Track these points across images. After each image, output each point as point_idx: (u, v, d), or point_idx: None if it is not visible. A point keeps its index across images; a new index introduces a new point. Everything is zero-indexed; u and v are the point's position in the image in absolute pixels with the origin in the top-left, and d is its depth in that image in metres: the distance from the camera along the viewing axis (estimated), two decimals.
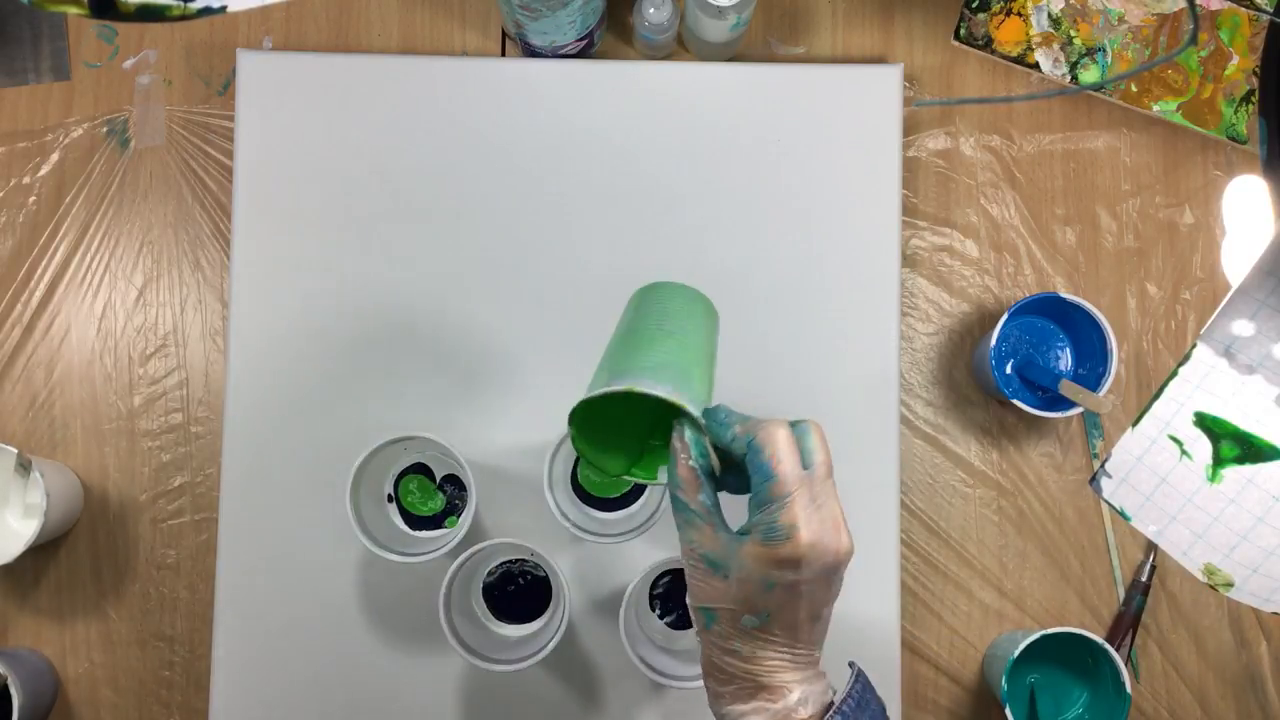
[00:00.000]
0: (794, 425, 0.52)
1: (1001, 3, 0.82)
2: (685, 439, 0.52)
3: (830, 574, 0.51)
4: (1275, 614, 0.76)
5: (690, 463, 0.52)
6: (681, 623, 0.77)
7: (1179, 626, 0.79)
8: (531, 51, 0.80)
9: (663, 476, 0.56)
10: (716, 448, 0.53)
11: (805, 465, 0.51)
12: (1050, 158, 0.83)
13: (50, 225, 0.80)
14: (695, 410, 0.52)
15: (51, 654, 0.78)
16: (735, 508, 0.54)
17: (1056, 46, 0.82)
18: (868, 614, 0.76)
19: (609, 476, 0.58)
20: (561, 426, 0.71)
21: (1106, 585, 0.79)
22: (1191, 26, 0.71)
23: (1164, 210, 0.82)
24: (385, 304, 0.78)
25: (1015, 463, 0.80)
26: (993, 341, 0.75)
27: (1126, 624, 0.78)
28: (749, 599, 0.50)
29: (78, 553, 0.78)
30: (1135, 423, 0.62)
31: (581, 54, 0.81)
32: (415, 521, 0.78)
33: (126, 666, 0.78)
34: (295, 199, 0.79)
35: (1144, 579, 0.78)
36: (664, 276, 0.78)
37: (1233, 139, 0.82)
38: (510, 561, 0.77)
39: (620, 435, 0.58)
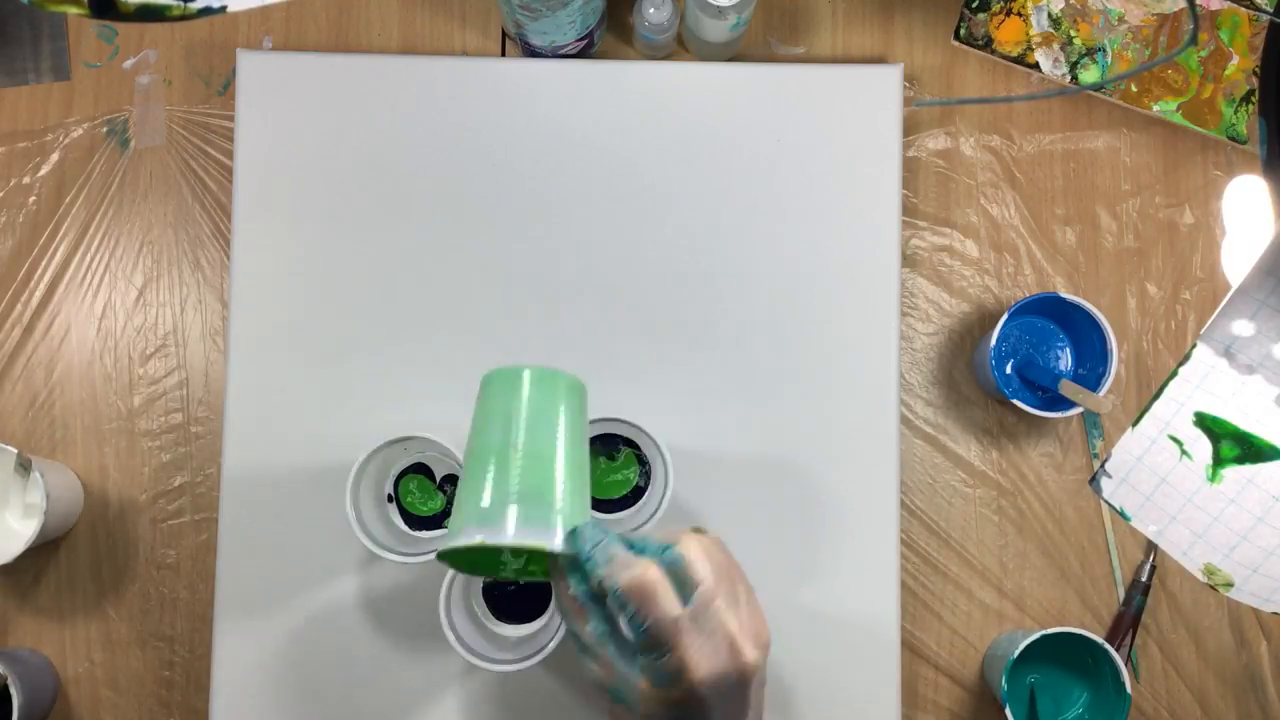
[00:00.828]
0: (665, 552, 0.49)
1: (1001, 3, 0.82)
2: (560, 568, 0.49)
3: (738, 693, 0.48)
4: (1275, 614, 0.76)
5: (571, 592, 0.48)
6: None
7: (1179, 626, 0.79)
8: (531, 51, 0.80)
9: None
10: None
11: (685, 597, 0.47)
12: (1050, 158, 0.83)
13: (50, 225, 0.80)
14: (556, 540, 0.49)
15: (51, 654, 0.78)
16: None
17: (1056, 46, 0.82)
18: (868, 614, 0.76)
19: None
20: None
21: (1106, 585, 0.79)
22: (1191, 26, 0.71)
23: (1164, 210, 0.82)
24: (385, 303, 0.78)
25: (1015, 463, 0.80)
26: (993, 341, 0.75)
27: (1126, 624, 0.78)
28: None
29: (78, 553, 0.78)
30: (1135, 423, 0.62)
31: (581, 54, 0.81)
32: (415, 521, 0.78)
33: (126, 666, 0.78)
34: (295, 199, 0.79)
35: (1144, 579, 0.78)
36: (661, 279, 0.79)
37: (1233, 139, 0.82)
38: None
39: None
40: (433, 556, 0.70)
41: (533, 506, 0.51)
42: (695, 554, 0.48)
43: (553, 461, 0.53)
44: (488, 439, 0.54)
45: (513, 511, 0.50)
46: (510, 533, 0.49)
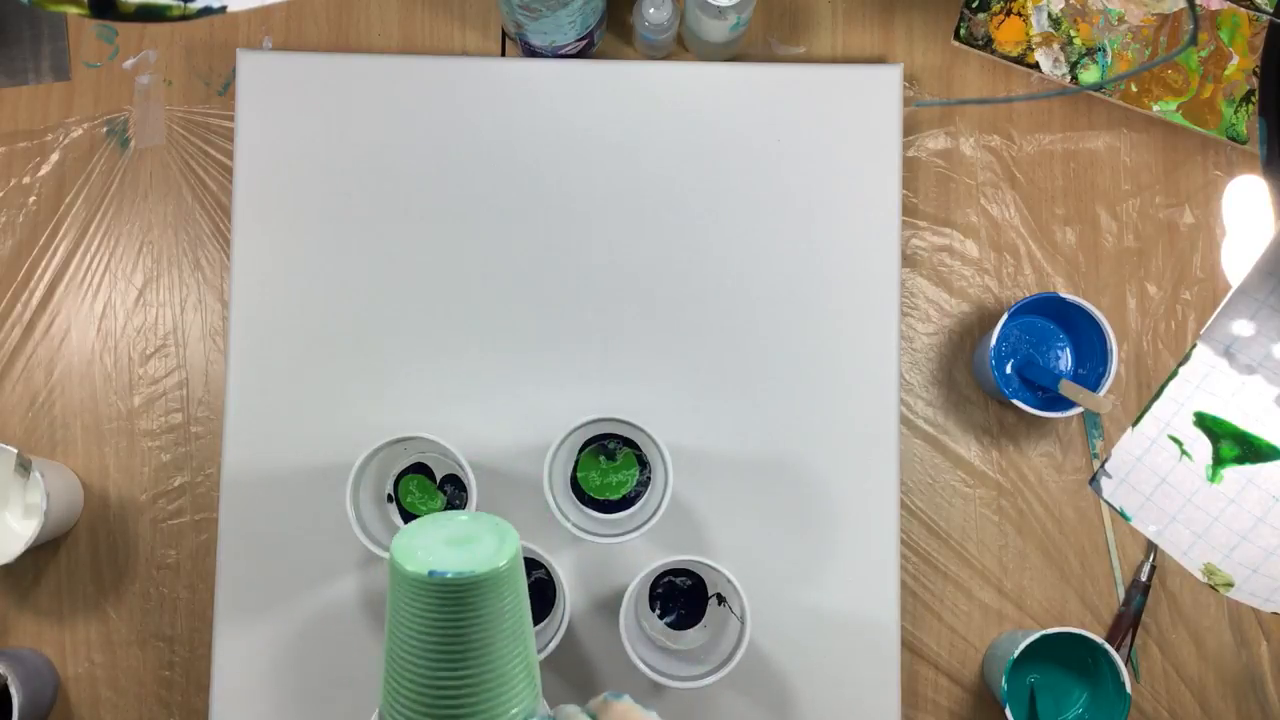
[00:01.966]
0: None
1: (1001, 3, 0.82)
2: None
3: None
4: (1275, 614, 0.76)
5: None
6: (681, 622, 0.77)
7: (1179, 626, 0.79)
8: (531, 51, 0.80)
9: None
10: None
11: None
12: (1050, 158, 0.83)
13: (50, 225, 0.80)
14: None
15: (51, 654, 0.78)
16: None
17: (1056, 46, 0.82)
18: (868, 614, 0.76)
19: None
20: (561, 427, 0.71)
21: (1106, 585, 0.79)
22: (1191, 26, 0.71)
23: (1164, 210, 0.82)
24: (385, 304, 0.78)
25: (1015, 463, 0.80)
26: (993, 341, 0.75)
27: (1126, 624, 0.78)
28: None
29: (78, 553, 0.78)
30: (1135, 423, 0.62)
31: (581, 54, 0.81)
32: None
33: (126, 666, 0.78)
34: (295, 199, 0.79)
35: (1144, 579, 0.78)
36: (661, 279, 0.78)
37: (1233, 139, 0.82)
38: None
39: None
40: None
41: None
42: None
43: (453, 672, 0.46)
44: (395, 643, 0.46)
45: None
46: None
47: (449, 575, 0.44)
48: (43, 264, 0.80)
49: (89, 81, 0.82)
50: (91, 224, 0.81)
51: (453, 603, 0.44)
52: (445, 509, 0.77)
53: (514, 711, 0.46)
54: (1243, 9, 0.82)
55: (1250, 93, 0.82)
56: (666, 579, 0.77)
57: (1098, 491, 0.63)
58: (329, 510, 0.74)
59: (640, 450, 0.77)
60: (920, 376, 0.81)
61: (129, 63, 0.82)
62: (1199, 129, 0.82)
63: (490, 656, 0.45)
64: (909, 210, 0.82)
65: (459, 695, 0.44)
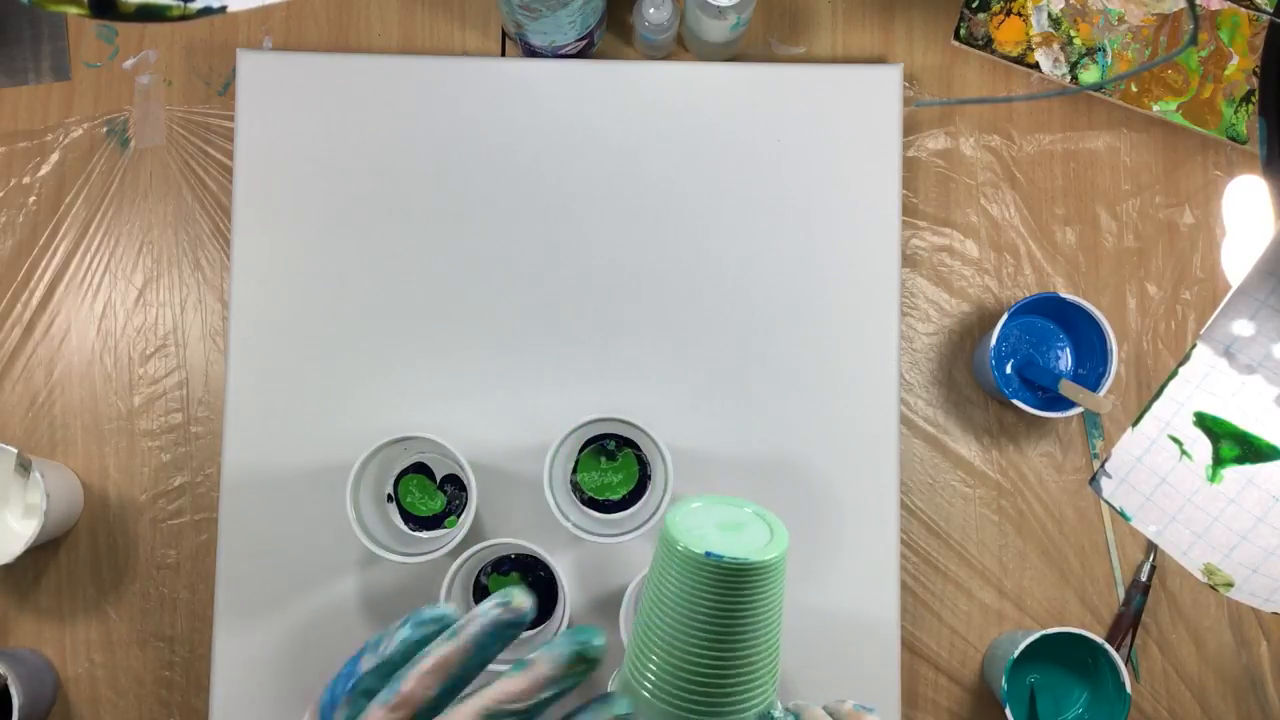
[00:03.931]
0: None
1: (1001, 3, 0.82)
2: None
3: None
4: (1275, 614, 0.76)
5: None
6: None
7: (1179, 626, 0.79)
8: (531, 51, 0.80)
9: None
10: None
11: None
12: (1050, 158, 0.83)
13: (50, 225, 0.80)
14: None
15: (51, 654, 0.78)
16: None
17: (1056, 46, 0.82)
18: (868, 614, 0.76)
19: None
20: (561, 427, 0.71)
21: (1106, 585, 0.79)
22: (1191, 26, 0.71)
23: (1164, 210, 0.82)
24: (385, 304, 0.78)
25: (1015, 463, 0.80)
26: (993, 341, 0.75)
27: (1126, 624, 0.78)
28: None
29: (78, 553, 0.78)
30: (1135, 423, 0.61)
31: (581, 54, 0.81)
32: (415, 521, 0.78)
33: (126, 666, 0.78)
34: (295, 199, 0.79)
35: (1144, 579, 0.78)
36: (661, 279, 0.78)
37: (1233, 139, 0.82)
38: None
39: None
40: (432, 557, 0.70)
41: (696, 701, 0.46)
42: None
43: (719, 664, 0.46)
44: (653, 618, 0.47)
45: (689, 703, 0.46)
46: None
47: (724, 559, 0.45)
48: (43, 264, 0.80)
49: (89, 81, 0.82)
50: (91, 224, 0.81)
51: (721, 585, 0.45)
52: (445, 509, 0.78)
53: (757, 700, 0.46)
54: (1243, 9, 0.82)
55: (1250, 93, 0.82)
56: None
57: (1098, 491, 0.63)
58: (329, 510, 0.74)
59: (640, 450, 0.77)
60: (920, 376, 0.81)
61: (129, 63, 0.82)
62: (1199, 129, 0.82)
63: (745, 641, 0.46)
64: (909, 210, 0.82)
65: (711, 675, 0.45)
